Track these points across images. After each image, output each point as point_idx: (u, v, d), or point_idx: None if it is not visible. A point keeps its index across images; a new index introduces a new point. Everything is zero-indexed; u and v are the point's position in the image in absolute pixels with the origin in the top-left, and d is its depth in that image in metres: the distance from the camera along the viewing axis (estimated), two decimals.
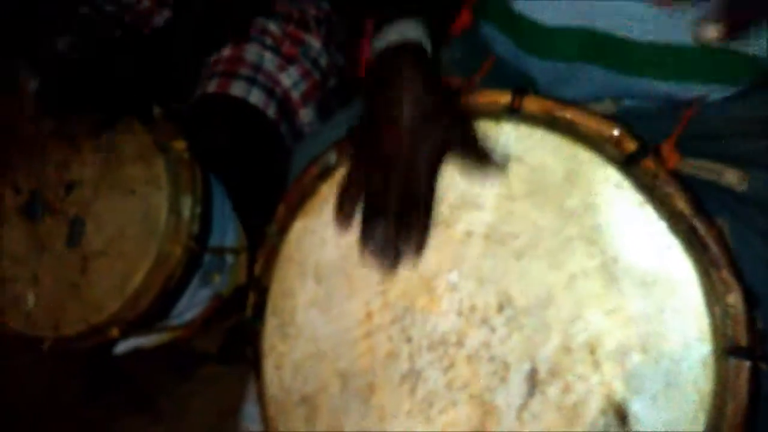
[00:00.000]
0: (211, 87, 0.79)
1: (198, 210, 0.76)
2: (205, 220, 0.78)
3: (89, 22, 0.82)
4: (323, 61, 0.88)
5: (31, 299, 0.79)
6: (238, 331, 1.06)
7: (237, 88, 0.78)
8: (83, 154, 0.79)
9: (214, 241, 0.83)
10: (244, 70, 0.80)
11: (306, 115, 0.84)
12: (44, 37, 0.79)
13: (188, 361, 1.11)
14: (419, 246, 0.50)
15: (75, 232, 0.78)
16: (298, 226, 0.56)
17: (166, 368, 1.11)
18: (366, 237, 0.50)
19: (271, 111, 0.80)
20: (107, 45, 0.76)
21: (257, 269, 0.60)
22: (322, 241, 0.54)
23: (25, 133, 0.80)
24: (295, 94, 0.83)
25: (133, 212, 0.75)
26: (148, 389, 1.12)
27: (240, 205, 0.83)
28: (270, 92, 0.80)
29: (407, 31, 0.52)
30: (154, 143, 0.76)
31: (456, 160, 0.50)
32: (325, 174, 0.55)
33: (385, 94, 0.50)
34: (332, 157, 0.56)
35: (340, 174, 0.55)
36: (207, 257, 0.82)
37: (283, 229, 0.57)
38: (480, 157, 0.49)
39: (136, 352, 0.92)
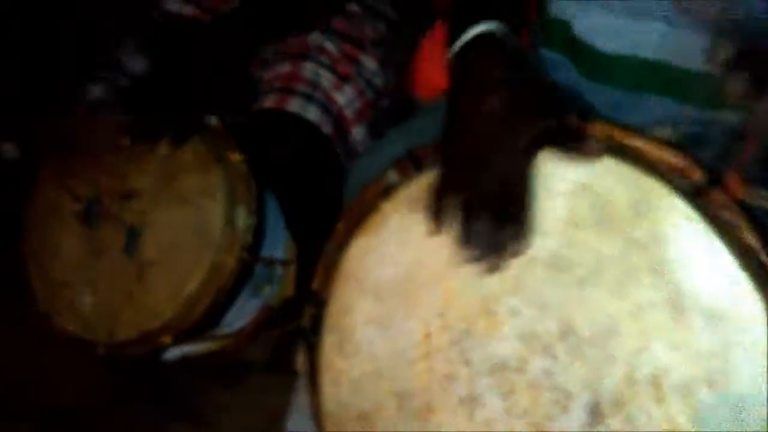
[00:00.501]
0: (269, 102, 0.81)
1: (251, 221, 0.78)
2: (258, 231, 0.79)
3: (163, 29, 0.85)
4: (377, 81, 0.89)
5: (87, 304, 0.81)
6: (285, 341, 1.08)
7: (294, 105, 0.80)
8: (142, 164, 0.81)
9: (265, 252, 0.84)
10: (302, 87, 0.82)
11: (358, 133, 0.86)
12: (115, 49, 0.82)
13: (234, 369, 1.12)
14: (521, 239, 0.49)
15: (132, 241, 0.80)
16: (359, 244, 0.57)
17: (212, 376, 1.13)
18: (466, 236, 0.50)
19: (326, 128, 0.81)
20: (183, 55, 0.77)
21: (315, 283, 0.61)
22: (382, 259, 0.55)
23: (87, 143, 0.83)
24: (349, 113, 0.85)
25: (189, 222, 0.77)
26: (194, 396, 1.13)
27: (292, 218, 0.84)
28: (326, 109, 0.82)
29: (485, 27, 0.53)
30: (211, 155, 0.78)
31: (550, 146, 0.49)
32: (387, 192, 0.57)
33: (472, 89, 0.50)
34: (393, 176, 0.57)
35: (402, 193, 0.56)
36: (258, 268, 0.83)
37: (343, 246, 0.58)
38: (576, 141, 0.49)
39: (184, 359, 0.94)
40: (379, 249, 0.55)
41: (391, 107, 0.91)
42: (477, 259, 0.50)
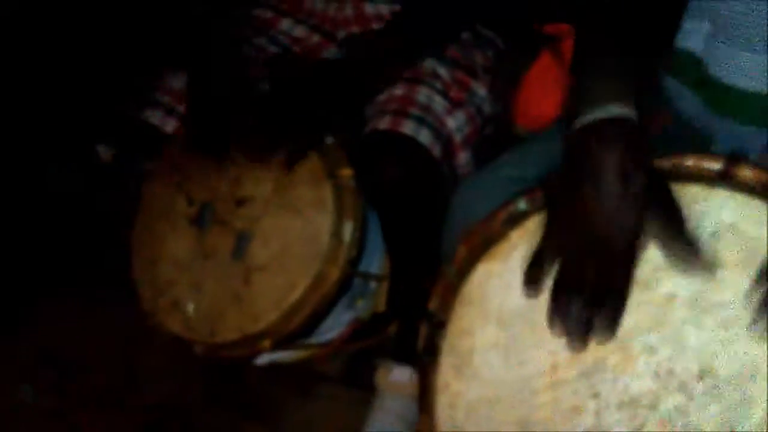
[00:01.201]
0: (383, 124, 0.82)
1: (357, 236, 0.80)
2: (360, 245, 0.81)
3: (278, 58, 0.88)
4: (486, 108, 0.90)
5: (191, 304, 0.84)
6: (362, 356, 1.09)
7: (408, 127, 0.82)
8: (257, 172, 0.84)
9: (362, 266, 0.86)
10: (415, 111, 0.84)
11: (463, 158, 0.87)
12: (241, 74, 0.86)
13: (310, 379, 1.14)
14: (612, 327, 0.49)
15: (241, 245, 0.83)
16: (483, 269, 0.58)
17: (288, 384, 1.15)
18: (556, 309, 0.51)
19: (436, 151, 0.83)
20: (300, 76, 0.81)
21: (432, 304, 0.62)
22: (507, 286, 0.56)
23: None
24: (458, 138, 0.86)
25: (298, 232, 0.80)
26: (268, 402, 1.16)
27: (391, 235, 0.86)
28: (437, 133, 0.83)
29: (616, 108, 0.52)
30: (324, 169, 0.81)
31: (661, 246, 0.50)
32: (515, 220, 0.57)
33: (593, 168, 0.50)
34: (522, 204, 0.57)
35: (531, 222, 0.56)
36: (355, 281, 0.85)
37: (465, 269, 0.59)
38: (686, 250, 0.49)
39: (270, 366, 0.96)
40: (505, 276, 0.56)
41: (492, 135, 0.91)
42: (562, 333, 0.50)
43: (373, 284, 0.92)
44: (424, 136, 0.81)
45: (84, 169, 1.59)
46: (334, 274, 0.79)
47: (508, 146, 0.98)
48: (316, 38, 1.00)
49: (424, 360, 0.62)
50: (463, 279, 0.59)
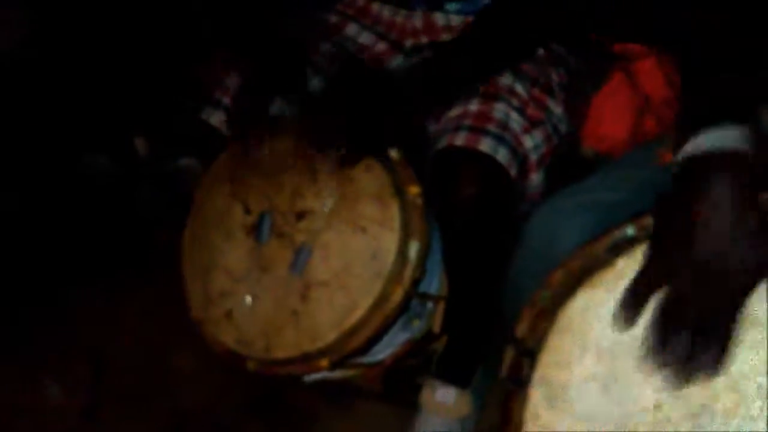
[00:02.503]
0: (459, 140, 0.82)
1: (422, 255, 0.79)
2: (424, 265, 0.80)
3: (340, 60, 0.88)
4: (562, 128, 0.90)
5: (245, 317, 0.83)
6: (402, 371, 1.08)
7: (485, 145, 0.81)
8: (319, 184, 0.83)
9: (421, 286, 0.85)
10: (492, 128, 0.83)
11: (535, 179, 0.86)
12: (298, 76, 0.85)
13: (348, 393, 1.13)
14: (718, 363, 0.49)
15: (300, 259, 0.81)
16: (584, 296, 0.57)
17: (325, 397, 1.14)
18: (660, 339, 0.50)
19: (513, 171, 0.82)
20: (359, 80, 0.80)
21: (520, 330, 0.60)
22: (611, 317, 0.54)
23: (265, 158, 0.86)
24: (533, 158, 0.85)
25: (362, 249, 0.79)
26: (305, 415, 1.15)
27: (455, 256, 0.85)
28: (514, 152, 0.83)
29: (729, 140, 0.52)
30: (391, 185, 0.80)
31: None
32: (621, 246, 0.56)
33: (712, 197, 0.50)
34: (630, 230, 0.56)
35: (640, 250, 0.55)
36: (413, 301, 0.84)
37: (561, 296, 0.58)
38: None
39: (299, 378, 0.95)
40: (609, 305, 0.55)
41: (564, 155, 0.90)
42: (664, 369, 0.49)
43: (430, 305, 0.90)
44: (503, 155, 0.80)
45: (120, 161, 1.63)
46: (398, 294, 0.78)
47: (575, 168, 0.98)
48: (382, 46, 1.00)
49: (509, 388, 0.61)
50: (560, 305, 0.58)
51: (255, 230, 0.86)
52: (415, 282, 0.79)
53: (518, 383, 0.60)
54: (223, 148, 0.93)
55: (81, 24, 1.52)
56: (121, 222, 1.61)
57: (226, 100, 0.94)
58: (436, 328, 0.92)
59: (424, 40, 0.99)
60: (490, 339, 1.14)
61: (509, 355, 0.61)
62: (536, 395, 0.58)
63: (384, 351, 0.89)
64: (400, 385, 1.13)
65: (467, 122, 0.83)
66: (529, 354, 0.60)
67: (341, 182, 0.82)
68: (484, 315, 0.99)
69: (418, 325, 0.90)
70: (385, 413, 1.14)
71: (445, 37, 0.97)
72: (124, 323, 1.41)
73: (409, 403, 1.13)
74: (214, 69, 1.01)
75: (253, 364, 0.83)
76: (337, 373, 0.91)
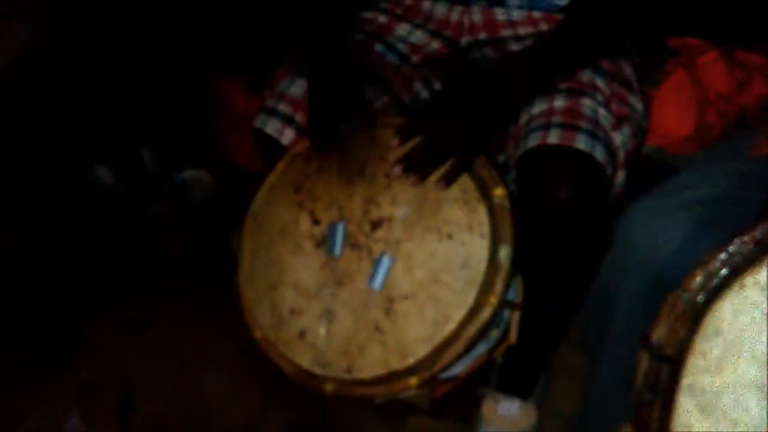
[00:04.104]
0: (552, 138, 0.79)
1: (512, 260, 0.76)
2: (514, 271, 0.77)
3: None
4: (644, 124, 0.88)
5: (322, 336, 0.79)
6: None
7: (582, 142, 0.78)
8: (393, 190, 0.80)
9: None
10: (585, 124, 0.81)
11: (620, 178, 0.84)
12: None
13: (396, 408, 1.08)
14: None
15: (380, 272, 0.78)
16: (733, 298, 0.54)
17: (373, 413, 1.12)
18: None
19: (609, 170, 0.80)
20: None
21: (657, 335, 0.58)
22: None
23: (333, 165, 0.83)
24: (621, 155, 0.83)
25: (450, 257, 0.76)
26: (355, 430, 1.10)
27: (538, 260, 0.82)
28: (608, 150, 0.80)
29: None
30: (477, 188, 0.77)
31: None
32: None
33: None
34: None
35: None
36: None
37: (705, 298, 0.56)
38: None
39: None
40: (762, 307, 0.53)
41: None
42: None
43: (507, 313, 0.88)
44: (600, 153, 0.78)
45: (127, 174, 1.58)
46: (491, 304, 0.75)
47: (636, 165, 0.97)
48: (435, 44, 0.98)
49: (644, 398, 0.59)
50: (705, 308, 0.56)
51: (325, 242, 0.83)
52: (507, 289, 0.77)
53: (655, 392, 0.59)
54: (279, 156, 0.91)
55: (87, 33, 1.48)
56: (131, 240, 1.58)
57: (282, 108, 0.91)
58: (513, 337, 0.89)
59: (483, 36, 0.97)
60: (556, 347, 1.12)
61: (644, 362, 0.59)
62: (686, 404, 0.55)
63: (462, 365, 0.86)
64: (450, 399, 1.11)
65: (558, 119, 0.80)
66: (669, 361, 0.58)
67: (419, 187, 0.80)
68: (561, 322, 0.97)
69: (495, 336, 0.88)
70: (438, 429, 1.12)
71: (507, 33, 0.95)
72: (148, 348, 1.36)
73: (461, 417, 1.11)
74: (268, 75, 0.98)
75: (331, 386, 0.79)
76: (411, 392, 0.88)
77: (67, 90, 1.49)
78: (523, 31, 0.96)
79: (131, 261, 1.53)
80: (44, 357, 1.34)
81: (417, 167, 0.75)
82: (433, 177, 0.76)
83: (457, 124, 0.75)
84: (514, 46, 0.96)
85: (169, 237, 1.61)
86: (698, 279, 0.57)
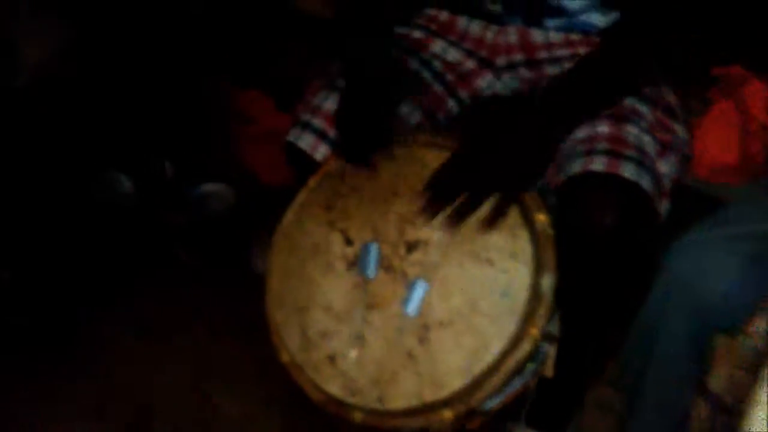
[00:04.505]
0: (597, 165, 0.76)
1: (554, 290, 0.73)
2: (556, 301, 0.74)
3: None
4: (688, 153, 0.85)
5: (352, 362, 0.76)
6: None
7: (628, 170, 0.75)
8: None
9: None
10: (630, 152, 0.78)
11: (665, 207, 0.80)
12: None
13: None
14: None
15: (415, 296, 0.75)
16: None
17: None
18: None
19: (657, 200, 0.77)
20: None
21: (715, 384, 0.55)
22: None
23: (367, 183, 0.80)
24: (666, 184, 0.80)
25: (489, 285, 0.73)
26: None
27: (578, 291, 0.79)
28: (655, 179, 0.77)
29: None
30: (519, 213, 0.74)
31: None
32: None
33: None
34: None
35: None
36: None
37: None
38: None
39: None
40: None
41: None
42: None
43: (545, 346, 0.84)
44: (646, 182, 0.75)
45: (144, 182, 1.56)
46: (532, 335, 0.71)
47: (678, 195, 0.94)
48: (470, 64, 0.96)
49: None
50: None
51: (358, 263, 0.80)
52: (549, 321, 0.74)
53: None
54: (311, 172, 0.88)
55: (117, 38, 1.47)
56: (149, 250, 1.56)
57: (317, 122, 0.88)
58: (549, 371, 0.85)
59: (519, 57, 0.94)
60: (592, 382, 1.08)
61: (701, 411, 0.56)
62: None
63: (496, 399, 0.82)
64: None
65: (602, 146, 0.78)
66: (728, 411, 0.55)
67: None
68: (599, 357, 0.93)
69: (531, 369, 0.84)
70: None
71: (543, 54, 0.93)
72: (161, 363, 1.34)
73: None
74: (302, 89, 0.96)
75: (360, 416, 0.75)
76: (445, 426, 0.84)
77: (95, 93, 1.50)
78: (560, 53, 0.94)
79: (146, 271, 1.51)
80: (59, 369, 1.32)
81: (453, 207, 0.73)
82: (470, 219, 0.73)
83: (502, 159, 0.72)
84: (551, 69, 0.95)
85: (186, 248, 1.60)
86: (761, 324, 0.55)
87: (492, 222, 0.72)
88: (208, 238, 1.61)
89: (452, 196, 0.74)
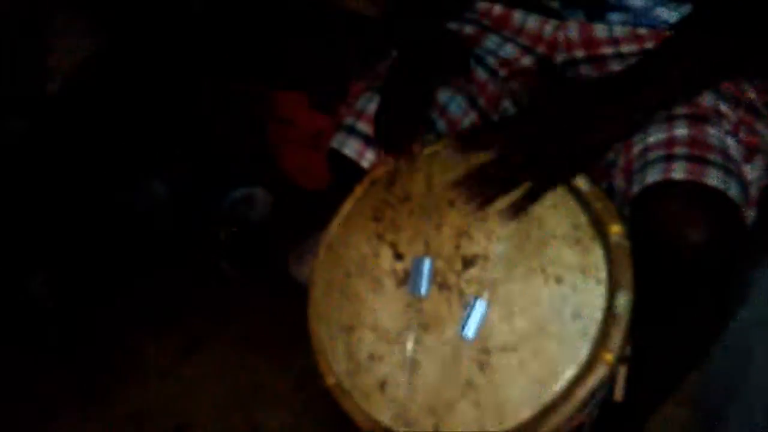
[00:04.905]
0: (679, 172, 0.68)
1: (632, 309, 0.66)
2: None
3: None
4: None
5: (403, 387, 0.70)
6: None
7: (713, 178, 0.67)
8: (490, 223, 0.70)
9: None
10: (714, 157, 0.70)
11: (751, 216, 0.72)
12: None
13: None
14: None
15: (473, 317, 0.68)
16: None
17: None
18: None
19: (745, 210, 0.68)
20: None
21: None
22: None
23: (419, 190, 0.74)
24: (753, 191, 0.71)
25: (558, 305, 0.66)
26: None
27: (654, 311, 0.71)
28: (743, 187, 0.69)
29: None
30: (591, 225, 0.67)
31: None
32: None
33: None
34: None
35: None
36: None
37: None
38: None
39: None
40: None
41: None
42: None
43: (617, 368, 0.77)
44: (734, 190, 0.67)
45: (177, 189, 1.53)
46: (608, 361, 0.64)
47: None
48: (526, 61, 0.89)
49: None
50: None
51: (409, 280, 0.74)
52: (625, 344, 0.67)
53: None
54: (356, 181, 0.82)
55: (146, 46, 1.44)
56: (186, 261, 1.53)
57: (361, 126, 0.83)
58: (619, 395, 0.78)
59: (580, 54, 0.87)
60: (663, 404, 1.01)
61: None
62: None
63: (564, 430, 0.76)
64: None
65: (682, 150, 0.70)
66: None
67: (520, 221, 0.70)
68: (676, 379, 0.86)
69: (601, 395, 0.77)
70: None
71: (607, 50, 0.85)
72: (200, 376, 1.30)
73: None
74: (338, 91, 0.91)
75: None
76: None
77: (124, 99, 1.47)
78: (626, 49, 0.86)
79: (184, 283, 1.48)
80: (93, 383, 1.30)
81: (481, 190, 0.66)
82: (499, 204, 0.66)
83: (535, 141, 0.65)
84: (616, 67, 0.86)
85: (225, 259, 1.56)
86: None
87: (514, 212, 0.65)
88: (250, 247, 1.58)
89: (507, 183, 0.67)
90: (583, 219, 0.68)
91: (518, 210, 0.68)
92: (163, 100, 1.57)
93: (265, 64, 1.67)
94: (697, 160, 0.69)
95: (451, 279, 0.72)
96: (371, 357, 0.73)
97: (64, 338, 1.40)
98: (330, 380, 0.76)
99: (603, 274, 0.66)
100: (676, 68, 0.68)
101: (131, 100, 1.47)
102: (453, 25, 0.93)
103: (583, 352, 0.65)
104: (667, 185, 0.68)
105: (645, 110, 0.67)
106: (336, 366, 0.75)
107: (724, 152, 0.70)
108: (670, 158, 0.70)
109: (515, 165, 0.66)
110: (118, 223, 1.51)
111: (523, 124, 0.68)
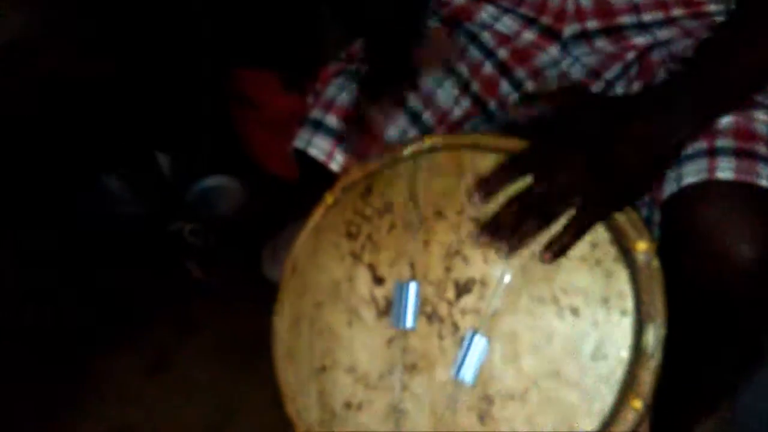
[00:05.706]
0: (724, 172, 0.57)
1: (662, 342, 0.55)
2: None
3: None
4: None
5: None
6: None
7: (765, 177, 0.56)
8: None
9: None
10: (764, 150, 0.58)
11: None
12: None
13: None
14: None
15: (470, 357, 0.57)
16: None
17: None
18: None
19: None
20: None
21: None
22: None
23: (402, 200, 0.62)
24: None
25: (575, 342, 0.54)
26: None
27: (695, 343, 0.61)
28: None
29: None
30: (612, 240, 0.56)
31: None
32: None
33: None
34: None
35: None
36: None
37: None
38: None
39: None
40: None
41: None
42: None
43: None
44: None
45: (141, 183, 1.41)
46: (637, 408, 0.53)
47: None
48: (529, 35, 0.75)
49: None
50: None
51: (391, 309, 0.62)
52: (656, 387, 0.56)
53: None
54: (327, 186, 0.70)
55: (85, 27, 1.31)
56: (150, 262, 1.41)
57: (330, 120, 0.70)
58: None
59: (594, 24, 0.74)
60: None
61: None
62: None
63: None
64: None
65: (726, 142, 0.58)
66: None
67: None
68: (713, 408, 0.75)
69: None
70: None
71: (626, 20, 0.72)
72: (171, 391, 1.17)
73: None
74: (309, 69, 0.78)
75: None
76: None
77: (68, 88, 1.33)
78: (649, 17, 0.73)
79: (146, 287, 1.35)
80: (65, 412, 1.17)
81: (512, 225, 0.54)
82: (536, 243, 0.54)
83: (583, 165, 0.53)
84: (638, 39, 0.75)
85: (191, 259, 1.45)
86: None
87: (557, 253, 0.53)
88: (218, 244, 1.45)
89: (518, 218, 0.57)
90: (603, 235, 0.56)
91: (561, 251, 0.54)
92: (114, 84, 1.44)
93: (230, 40, 1.54)
94: (745, 154, 0.57)
95: (443, 309, 0.60)
96: (348, 405, 0.61)
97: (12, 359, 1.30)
98: (301, 429, 0.66)
99: (629, 304, 0.54)
100: (734, 65, 0.57)
101: (74, 84, 1.33)
102: None
103: (606, 400, 0.53)
104: (709, 186, 0.57)
105: (704, 122, 0.57)
106: (307, 415, 0.63)
107: None
108: (712, 152, 0.58)
109: (559, 192, 0.54)
110: (72, 226, 1.40)
111: (563, 144, 0.55)
